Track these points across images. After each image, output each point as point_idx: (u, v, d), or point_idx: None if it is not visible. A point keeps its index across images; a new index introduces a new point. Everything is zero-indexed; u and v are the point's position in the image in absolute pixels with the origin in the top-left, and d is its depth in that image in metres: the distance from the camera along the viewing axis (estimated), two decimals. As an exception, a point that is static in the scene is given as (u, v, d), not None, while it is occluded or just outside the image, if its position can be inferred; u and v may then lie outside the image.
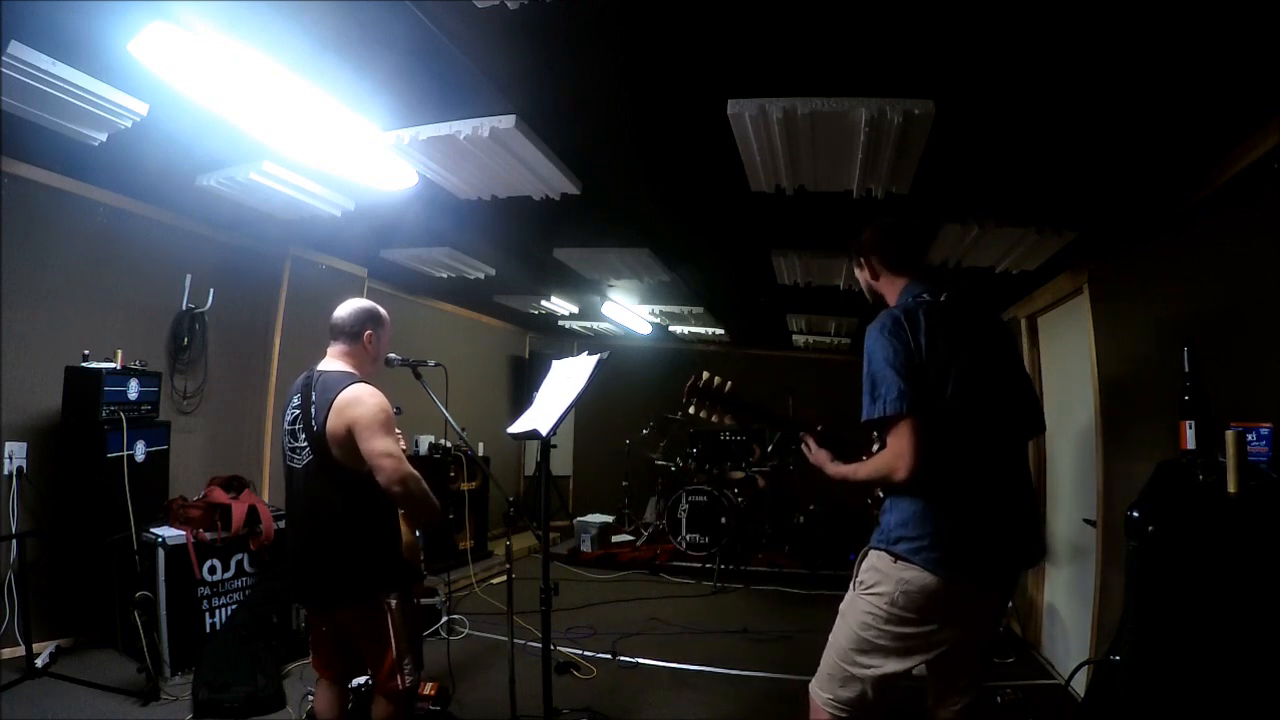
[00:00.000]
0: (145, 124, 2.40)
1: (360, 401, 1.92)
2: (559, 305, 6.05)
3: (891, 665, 1.67)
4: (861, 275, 1.98)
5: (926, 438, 1.60)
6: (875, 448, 1.81)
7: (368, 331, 2.12)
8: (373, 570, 2.01)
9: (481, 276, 4.80)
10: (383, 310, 2.20)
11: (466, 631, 4.04)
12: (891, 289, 1.89)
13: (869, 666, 1.69)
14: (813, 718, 1.80)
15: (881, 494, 1.81)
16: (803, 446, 1.92)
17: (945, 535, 1.62)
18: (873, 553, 1.74)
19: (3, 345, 3.06)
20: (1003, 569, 1.76)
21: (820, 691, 1.78)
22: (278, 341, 4.47)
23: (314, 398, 1.98)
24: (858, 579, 1.76)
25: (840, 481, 1.83)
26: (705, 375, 1.91)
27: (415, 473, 1.94)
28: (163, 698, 2.84)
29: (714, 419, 1.97)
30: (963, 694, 1.79)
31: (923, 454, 1.59)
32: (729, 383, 1.93)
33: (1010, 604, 4.23)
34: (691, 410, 1.93)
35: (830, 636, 1.81)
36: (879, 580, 1.68)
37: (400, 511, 2.10)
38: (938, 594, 1.61)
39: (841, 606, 1.80)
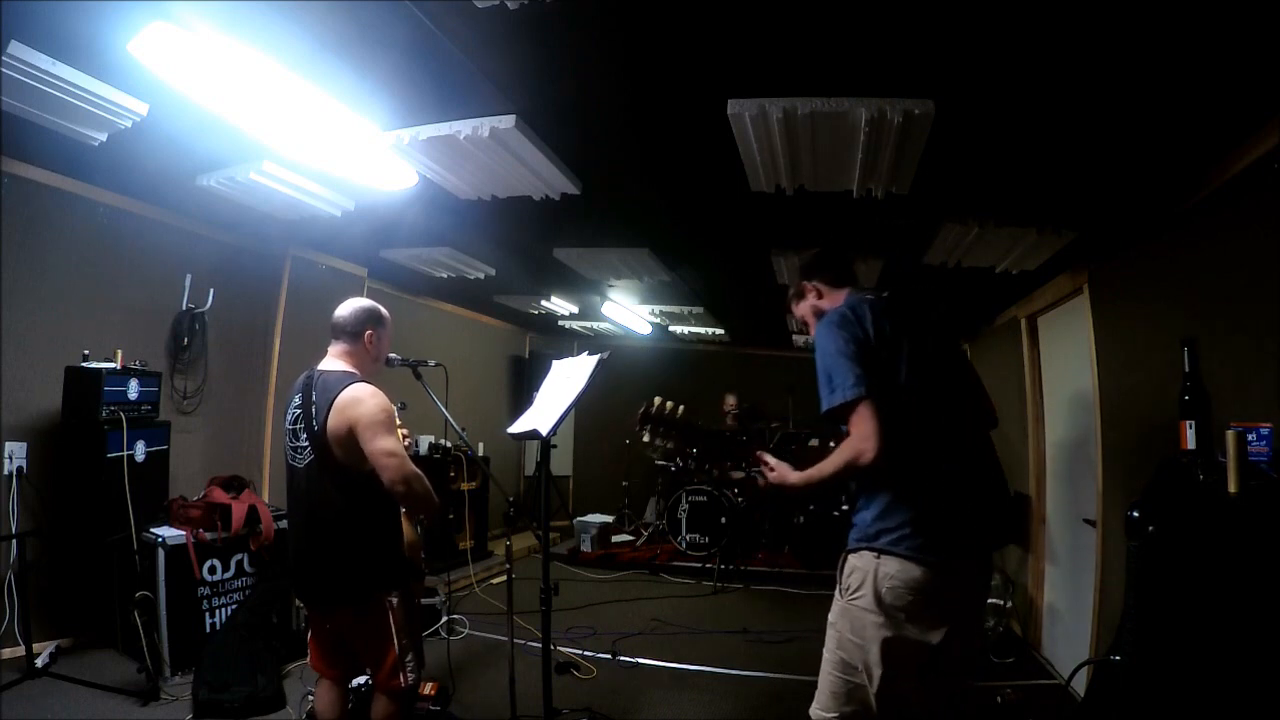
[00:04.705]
0: (145, 124, 2.40)
1: (361, 401, 1.92)
2: (559, 305, 6.05)
3: (890, 668, 1.64)
4: (804, 304, 2.05)
5: (887, 418, 1.61)
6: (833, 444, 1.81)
7: (369, 331, 2.12)
8: (374, 569, 2.01)
9: (481, 276, 4.80)
10: (384, 310, 2.20)
11: (466, 631, 4.04)
12: (834, 303, 1.95)
13: (869, 674, 1.65)
14: None
15: (844, 501, 1.81)
16: (761, 470, 1.89)
17: (923, 519, 1.62)
18: (852, 554, 1.73)
19: (3, 345, 3.06)
20: (979, 546, 1.76)
21: (823, 713, 1.72)
22: (278, 341, 4.47)
23: (314, 398, 1.98)
24: (842, 585, 1.74)
25: (807, 489, 1.82)
26: (658, 401, 1.92)
27: (418, 471, 1.94)
28: (163, 698, 2.84)
29: (669, 446, 1.99)
30: (949, 703, 1.76)
31: (886, 433, 1.60)
32: (680, 407, 1.95)
33: (1009, 604, 4.24)
34: (646, 438, 1.95)
35: (825, 651, 1.77)
36: (863, 581, 1.67)
37: (402, 510, 2.10)
38: (922, 586, 1.61)
39: (830, 618, 1.77)
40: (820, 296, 2.01)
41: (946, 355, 1.87)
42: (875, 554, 1.65)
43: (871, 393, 1.61)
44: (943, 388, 1.76)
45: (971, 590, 1.73)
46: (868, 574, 1.66)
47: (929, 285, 4.02)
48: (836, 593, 1.76)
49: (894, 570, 1.62)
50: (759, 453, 1.90)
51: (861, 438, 1.61)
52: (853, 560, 1.72)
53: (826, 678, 1.74)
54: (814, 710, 1.76)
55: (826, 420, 1.72)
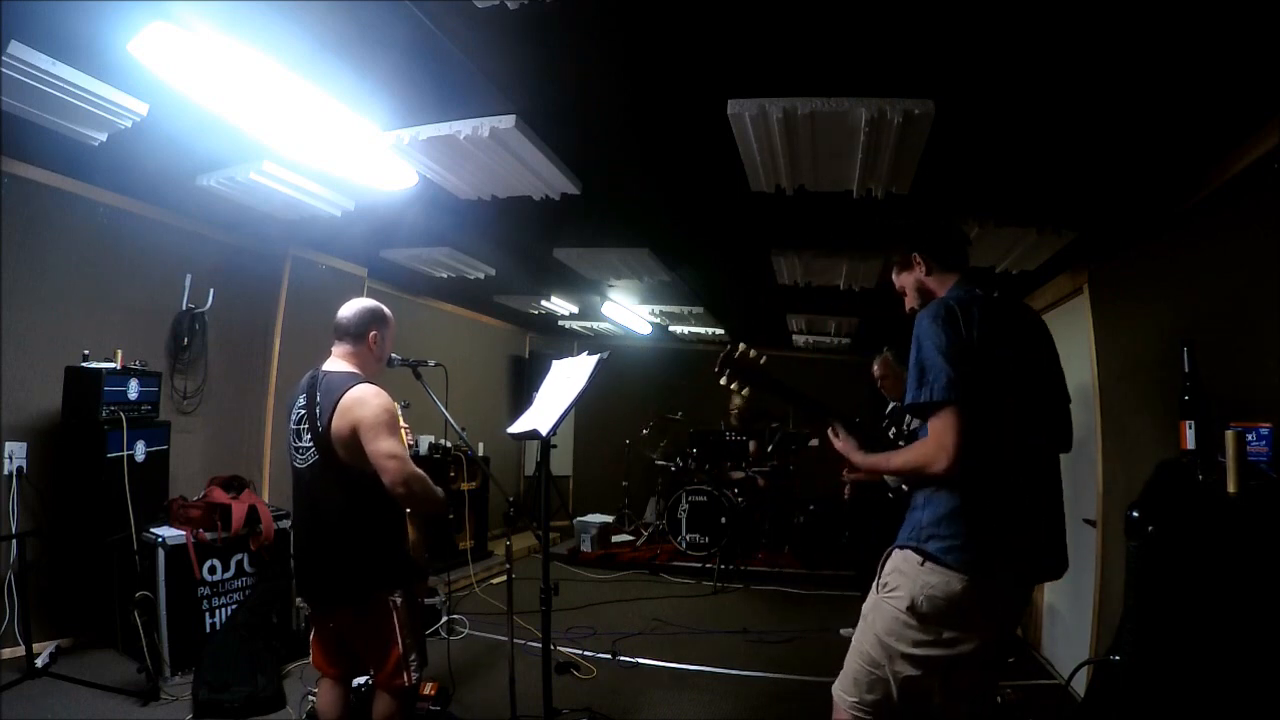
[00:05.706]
0: (145, 124, 2.40)
1: (364, 403, 1.92)
2: (559, 305, 6.05)
3: (914, 669, 1.64)
4: (909, 276, 1.93)
5: (970, 430, 1.56)
6: (900, 442, 1.79)
7: (372, 332, 2.11)
8: (377, 569, 2.01)
9: (481, 276, 4.80)
10: (387, 310, 2.20)
11: (466, 631, 4.04)
12: (941, 286, 1.86)
13: (892, 670, 1.66)
14: (835, 718, 1.78)
15: (905, 487, 1.78)
16: (829, 432, 1.89)
17: (979, 536, 1.59)
18: (898, 552, 1.71)
19: (3, 345, 3.06)
20: (1029, 578, 1.75)
21: (844, 695, 1.75)
22: (278, 341, 4.47)
23: (319, 399, 1.98)
24: (880, 580, 1.73)
25: (862, 468, 1.82)
26: (741, 347, 1.87)
27: (420, 472, 1.94)
28: (163, 698, 2.84)
29: (744, 394, 1.94)
30: (969, 700, 1.77)
31: (965, 446, 1.55)
32: (764, 356, 1.89)
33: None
34: (723, 382, 1.89)
35: (854, 638, 1.78)
36: (901, 583, 1.66)
37: (407, 510, 2.10)
38: (961, 599, 1.59)
39: (864, 608, 1.78)
40: (928, 273, 1.88)
41: (1046, 370, 1.81)
42: (921, 559, 1.63)
43: (961, 401, 1.56)
44: (1033, 405, 1.71)
45: (1009, 608, 1.72)
46: (908, 579, 1.64)
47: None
48: (874, 585, 1.75)
49: (935, 582, 1.60)
50: (834, 422, 1.88)
51: (939, 447, 1.57)
52: (897, 559, 1.70)
53: (852, 663, 1.76)
54: (836, 689, 1.78)
55: (909, 412, 1.69)
